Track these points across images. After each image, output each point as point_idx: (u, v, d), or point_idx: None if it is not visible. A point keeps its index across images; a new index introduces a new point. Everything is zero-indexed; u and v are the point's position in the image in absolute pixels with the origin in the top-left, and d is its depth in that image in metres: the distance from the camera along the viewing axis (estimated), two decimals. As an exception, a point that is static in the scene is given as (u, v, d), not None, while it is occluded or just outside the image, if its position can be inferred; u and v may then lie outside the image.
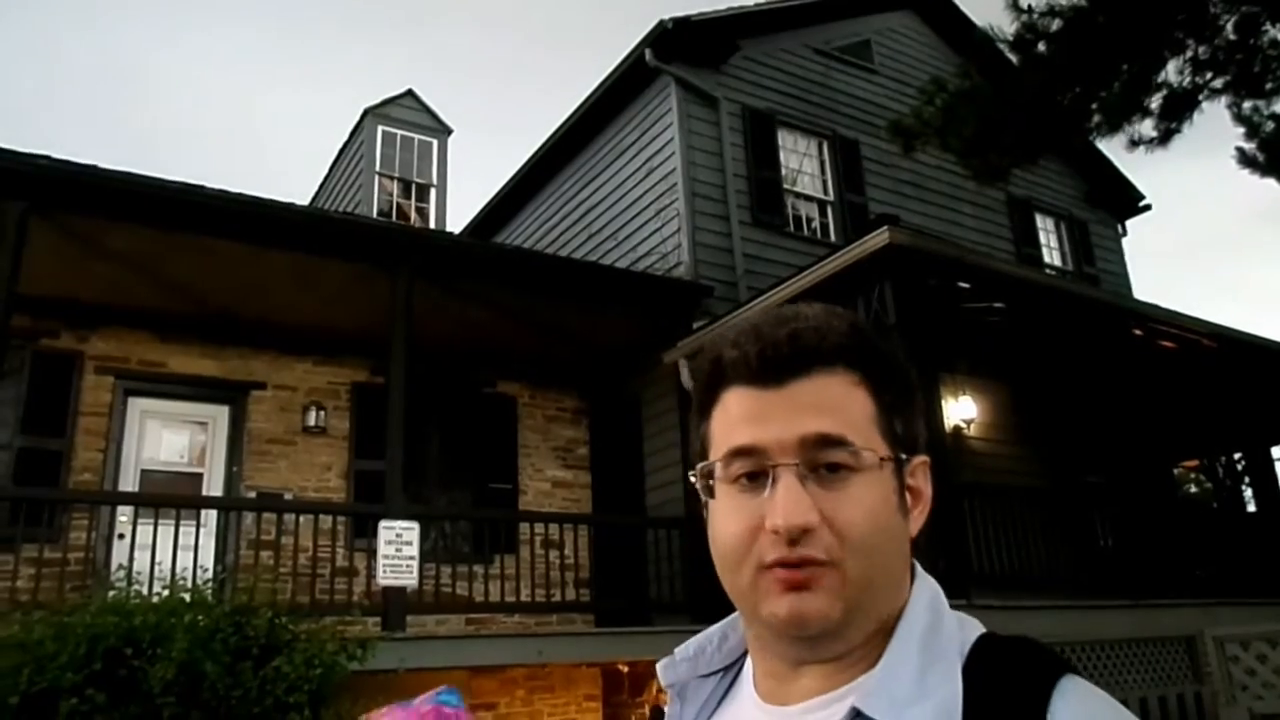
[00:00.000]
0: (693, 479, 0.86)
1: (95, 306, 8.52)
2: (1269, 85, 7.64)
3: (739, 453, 0.81)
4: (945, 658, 0.78)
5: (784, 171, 10.85)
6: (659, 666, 0.94)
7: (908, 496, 0.84)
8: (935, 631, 0.80)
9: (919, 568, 0.87)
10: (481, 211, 14.10)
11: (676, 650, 0.93)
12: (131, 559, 6.11)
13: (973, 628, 0.82)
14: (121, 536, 7.65)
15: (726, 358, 0.84)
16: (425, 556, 7.20)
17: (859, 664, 0.80)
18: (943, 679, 0.76)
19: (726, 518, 0.81)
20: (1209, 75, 7.59)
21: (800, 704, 0.82)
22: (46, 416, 8.26)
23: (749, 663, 0.90)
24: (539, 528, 8.42)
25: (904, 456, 0.83)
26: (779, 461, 0.78)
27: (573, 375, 10.88)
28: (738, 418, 0.82)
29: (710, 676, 0.93)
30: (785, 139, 11.02)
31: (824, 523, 0.77)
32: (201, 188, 7.29)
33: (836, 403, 0.80)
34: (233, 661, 5.04)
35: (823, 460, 0.78)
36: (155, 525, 6.54)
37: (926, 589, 0.84)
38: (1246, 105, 7.96)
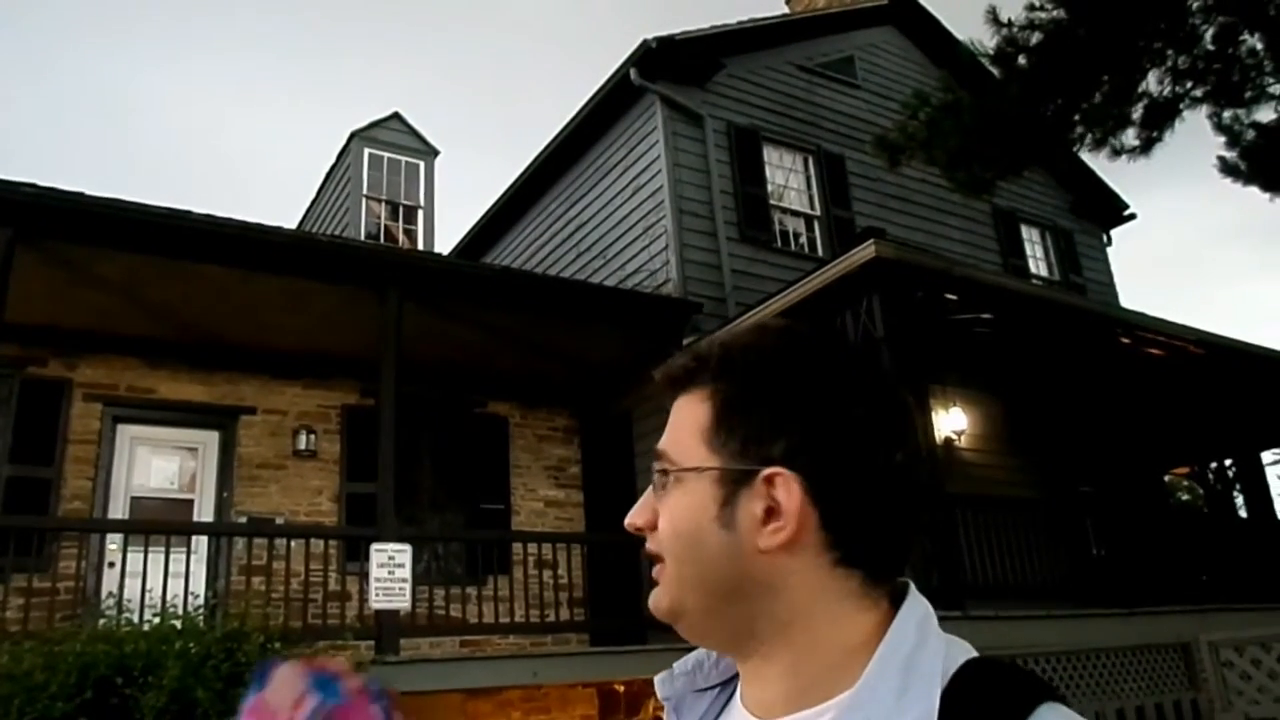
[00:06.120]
0: None
1: (83, 333, 8.49)
2: (1248, 94, 7.71)
3: None
4: (925, 678, 0.77)
5: (770, 187, 10.90)
6: (656, 680, 0.96)
7: (750, 508, 0.81)
8: (920, 651, 0.79)
9: (912, 587, 0.86)
10: (470, 232, 14.12)
11: (675, 665, 0.95)
12: (122, 587, 6.08)
13: (961, 651, 0.81)
14: (111, 564, 7.60)
15: None
16: (418, 579, 7.17)
17: (820, 681, 0.80)
18: (917, 698, 0.75)
19: None
20: (1189, 84, 7.66)
21: None
22: (35, 445, 8.21)
23: None
24: (532, 548, 8.39)
25: (731, 467, 0.82)
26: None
27: (564, 394, 10.87)
28: None
29: (707, 691, 0.94)
30: (771, 155, 11.07)
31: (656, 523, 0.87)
32: (189, 213, 7.28)
33: (675, 420, 0.89)
34: (225, 688, 5.01)
35: (655, 470, 0.88)
36: (145, 552, 6.49)
37: (918, 608, 0.84)
38: (1227, 114, 8.04)
